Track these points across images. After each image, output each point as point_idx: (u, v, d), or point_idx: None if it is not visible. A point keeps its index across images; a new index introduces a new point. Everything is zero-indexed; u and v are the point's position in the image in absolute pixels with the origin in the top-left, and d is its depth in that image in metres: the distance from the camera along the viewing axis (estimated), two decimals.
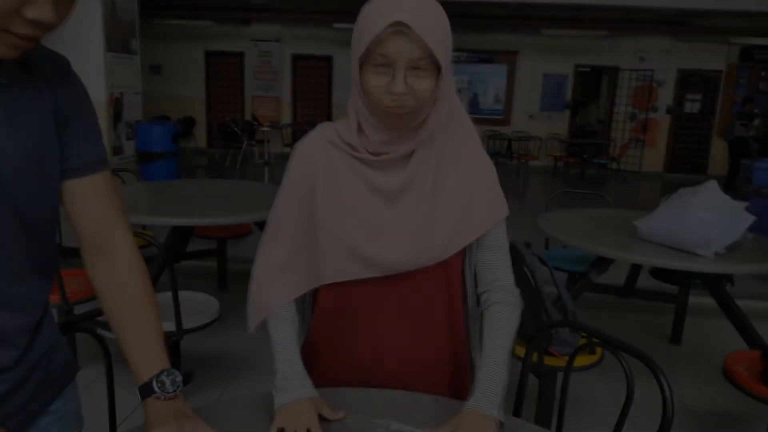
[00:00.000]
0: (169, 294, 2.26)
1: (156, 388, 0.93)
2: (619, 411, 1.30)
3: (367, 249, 1.11)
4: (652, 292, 3.55)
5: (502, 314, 1.18)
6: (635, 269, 3.37)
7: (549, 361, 2.13)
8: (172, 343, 2.37)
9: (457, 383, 1.27)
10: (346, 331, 1.20)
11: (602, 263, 2.75)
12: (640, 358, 1.31)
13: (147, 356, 0.96)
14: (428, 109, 1.07)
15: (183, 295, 2.41)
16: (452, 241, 1.14)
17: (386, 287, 1.15)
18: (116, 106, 5.55)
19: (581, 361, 2.17)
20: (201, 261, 3.96)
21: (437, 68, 1.03)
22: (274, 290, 1.17)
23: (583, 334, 2.21)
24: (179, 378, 0.96)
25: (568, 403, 1.48)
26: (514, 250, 2.16)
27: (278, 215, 1.19)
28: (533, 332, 2.04)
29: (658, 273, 3.37)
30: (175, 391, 0.95)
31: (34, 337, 0.91)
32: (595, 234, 2.71)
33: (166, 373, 0.95)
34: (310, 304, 1.25)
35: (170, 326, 2.28)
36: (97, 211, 0.96)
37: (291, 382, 1.07)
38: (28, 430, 0.95)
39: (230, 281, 4.08)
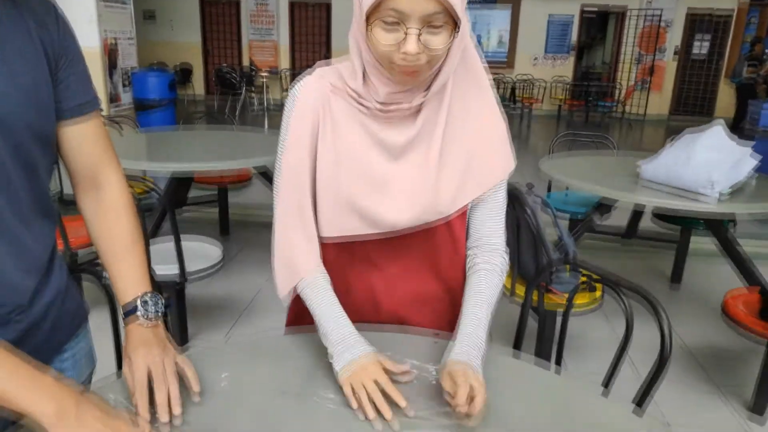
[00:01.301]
0: (172, 240, 2.27)
1: (140, 307, 0.97)
2: (615, 349, 1.32)
3: (369, 207, 1.08)
4: (654, 234, 3.55)
5: (486, 281, 1.13)
6: (637, 212, 3.36)
7: (549, 300, 2.15)
8: (177, 287, 2.40)
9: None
10: (344, 281, 1.20)
11: (605, 206, 2.74)
12: (638, 293, 1.32)
13: (131, 281, 0.99)
14: (441, 62, 0.99)
15: (185, 240, 2.42)
16: (457, 199, 1.11)
17: (387, 245, 1.14)
18: (111, 54, 5.44)
19: (581, 299, 2.19)
20: (202, 209, 3.97)
21: (453, 21, 0.94)
22: (303, 257, 1.12)
23: (583, 272, 2.24)
24: (161, 302, 0.99)
25: (567, 342, 1.50)
26: (516, 193, 2.17)
27: (287, 177, 1.11)
28: (534, 273, 2.06)
29: (661, 216, 3.36)
30: (157, 312, 0.98)
31: (45, 277, 0.94)
32: (599, 176, 2.68)
33: (149, 294, 0.99)
34: None
35: (173, 270, 2.30)
36: (89, 152, 0.99)
37: (347, 343, 1.02)
38: None
39: (232, 228, 4.10)
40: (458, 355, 1.00)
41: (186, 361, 0.97)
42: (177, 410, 0.91)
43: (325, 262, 1.19)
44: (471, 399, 0.92)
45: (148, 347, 0.94)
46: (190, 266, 2.35)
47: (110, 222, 1.02)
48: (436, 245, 1.16)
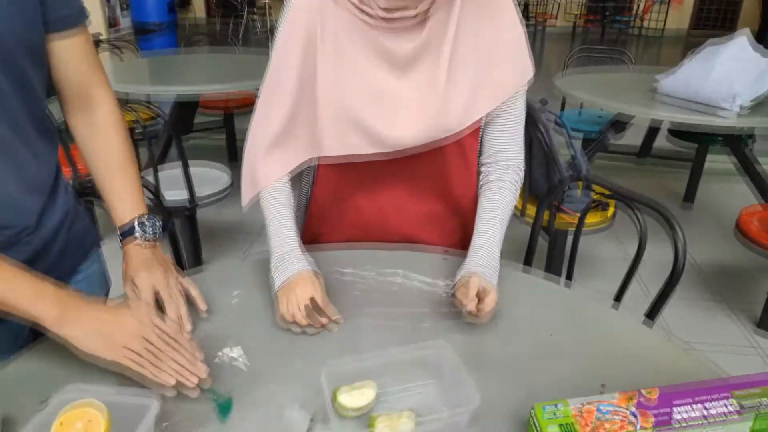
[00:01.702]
0: (180, 167, 2.25)
1: (137, 228, 0.97)
2: (626, 268, 1.31)
3: (374, 125, 1.02)
4: (669, 153, 3.48)
5: (499, 197, 1.10)
6: (653, 130, 3.28)
7: (561, 219, 2.14)
8: (188, 213, 2.41)
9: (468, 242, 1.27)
10: (351, 201, 1.18)
11: (620, 123, 2.67)
12: (652, 208, 1.30)
13: (127, 204, 0.99)
14: None
15: (193, 166, 2.40)
16: (467, 115, 1.04)
17: (394, 164, 1.09)
18: None
19: (593, 218, 2.18)
20: (209, 136, 3.93)
21: None
22: (267, 165, 1.09)
23: (596, 190, 2.21)
24: (159, 224, 0.99)
25: (577, 261, 1.49)
26: (528, 109, 2.10)
27: (272, 81, 1.07)
28: (545, 192, 2.03)
29: (677, 133, 3.28)
30: (155, 234, 0.98)
31: (51, 199, 0.94)
32: (614, 93, 2.59)
33: (146, 216, 0.99)
34: (310, 174, 1.21)
35: (183, 195, 2.30)
36: (78, 68, 0.96)
37: (286, 261, 1.01)
38: None
39: (240, 155, 4.06)
40: (471, 269, 0.99)
41: (190, 282, 0.98)
42: (188, 326, 0.92)
43: (331, 181, 1.17)
44: (481, 300, 0.92)
45: (149, 268, 0.94)
46: (200, 191, 2.35)
47: (102, 141, 1.00)
48: (446, 163, 1.13)
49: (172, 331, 0.83)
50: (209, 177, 2.49)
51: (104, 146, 1.00)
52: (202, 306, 0.96)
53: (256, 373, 0.85)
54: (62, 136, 2.24)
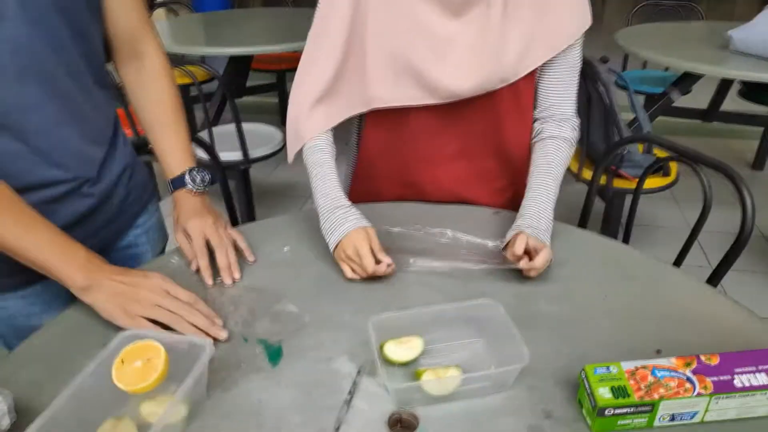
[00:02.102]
0: (233, 126, 2.28)
1: (188, 180, 0.99)
2: (686, 236, 1.25)
3: (427, 72, 1.00)
4: (739, 114, 3.27)
5: (554, 151, 1.07)
6: (722, 90, 3.08)
7: (618, 183, 2.06)
8: (241, 171, 2.45)
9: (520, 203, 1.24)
10: (400, 155, 1.16)
11: (686, 81, 2.51)
12: (719, 169, 1.22)
13: (178, 155, 1.02)
14: None
15: (247, 126, 2.43)
16: (523, 62, 1.01)
17: (447, 113, 1.07)
18: None
19: (654, 182, 2.09)
20: (262, 97, 3.95)
21: None
22: (312, 118, 1.07)
23: (658, 153, 2.11)
24: (208, 176, 1.02)
25: (634, 227, 1.44)
26: (588, 66, 2.01)
27: (320, 30, 1.05)
28: (603, 152, 1.95)
29: (748, 93, 3.07)
30: (204, 184, 1.01)
31: (111, 150, 0.97)
32: (682, 49, 2.43)
33: (196, 169, 1.01)
34: (358, 127, 1.20)
35: (237, 156, 2.34)
36: (127, 18, 0.97)
37: (337, 220, 0.99)
38: (120, 241, 1.06)
39: None
40: (522, 227, 0.97)
41: (237, 233, 1.00)
42: (237, 274, 0.94)
43: (379, 137, 1.16)
44: (532, 258, 0.91)
45: (201, 215, 0.97)
46: (253, 151, 2.38)
47: (151, 90, 1.02)
48: (500, 113, 1.09)
49: (189, 299, 0.84)
50: (262, 137, 2.52)
51: (154, 94, 1.02)
52: (249, 257, 0.99)
53: (305, 324, 0.87)
54: (123, 97, 2.31)
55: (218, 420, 0.71)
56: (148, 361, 0.66)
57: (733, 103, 3.24)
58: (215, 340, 0.82)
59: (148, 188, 1.10)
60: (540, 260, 0.90)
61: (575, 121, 1.10)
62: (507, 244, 0.97)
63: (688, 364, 0.70)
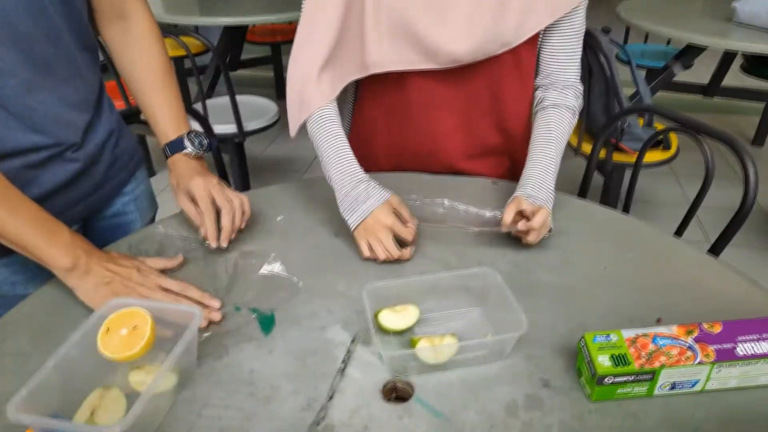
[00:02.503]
0: (227, 99, 2.24)
1: (187, 143, 0.96)
2: (686, 211, 1.23)
3: (426, 35, 0.97)
4: (740, 89, 3.23)
5: (556, 119, 1.03)
6: (724, 64, 3.04)
7: (618, 157, 2.03)
8: (236, 144, 2.42)
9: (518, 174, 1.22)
10: (397, 124, 1.13)
11: (688, 54, 2.47)
12: (722, 140, 1.20)
13: (171, 120, 0.98)
14: None
15: (241, 98, 2.39)
16: (524, 25, 0.98)
17: (447, 81, 1.05)
18: None
19: (654, 156, 2.06)
20: (256, 70, 3.90)
21: None
22: (317, 87, 1.02)
23: (659, 125, 2.08)
24: (206, 140, 0.98)
25: (633, 201, 1.41)
26: (589, 37, 1.96)
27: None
28: (602, 124, 1.92)
29: (751, 68, 3.03)
30: (203, 148, 0.97)
31: (96, 116, 0.93)
32: (684, 21, 2.39)
33: (193, 133, 0.98)
34: (353, 96, 1.16)
35: (231, 128, 2.30)
36: None
37: (359, 197, 0.95)
38: (108, 209, 1.04)
39: None
40: (521, 197, 0.95)
41: (243, 195, 0.96)
42: (223, 244, 0.92)
43: (377, 105, 1.13)
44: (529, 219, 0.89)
45: (205, 176, 0.94)
46: (247, 125, 2.34)
47: (139, 52, 0.98)
48: (501, 80, 1.06)
49: (180, 288, 0.82)
50: (257, 110, 2.48)
51: (141, 57, 0.98)
52: (246, 213, 0.95)
53: (298, 292, 0.85)
54: (115, 68, 2.26)
55: (209, 389, 0.69)
56: (135, 329, 0.64)
57: (734, 78, 3.20)
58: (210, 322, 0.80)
59: (136, 155, 1.07)
60: (537, 220, 0.88)
61: (578, 89, 1.07)
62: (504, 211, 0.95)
63: (689, 332, 0.68)
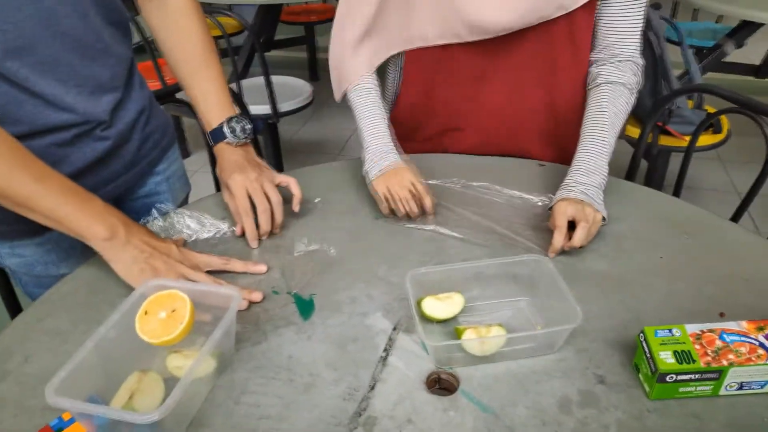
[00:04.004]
0: (262, 79, 2.21)
1: (227, 133, 0.93)
2: (732, 198, 1.15)
3: (474, 6, 0.93)
4: None
5: (611, 97, 0.96)
6: None
7: (665, 141, 1.94)
8: (270, 125, 2.40)
9: (569, 157, 1.16)
10: (442, 100, 1.09)
11: (742, 32, 2.34)
12: None
13: (214, 104, 0.95)
14: None
15: (275, 79, 2.36)
16: None
17: (495, 52, 1.00)
18: None
19: (703, 140, 1.96)
20: (290, 51, 3.86)
21: None
22: (356, 59, 1.04)
23: (709, 107, 1.98)
24: (249, 126, 0.95)
25: (670, 188, 1.34)
26: None
27: None
28: (650, 107, 1.84)
29: None
30: (246, 137, 0.94)
31: (126, 93, 0.91)
32: None
33: (235, 119, 0.94)
34: (396, 75, 1.12)
35: (265, 109, 2.28)
36: None
37: (381, 154, 0.98)
38: (140, 189, 1.02)
39: (321, 73, 4.00)
40: (572, 191, 0.89)
41: (288, 178, 0.94)
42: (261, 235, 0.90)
43: (421, 79, 1.08)
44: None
45: (243, 171, 0.91)
46: (281, 106, 2.32)
47: (178, 30, 0.95)
48: (554, 50, 1.00)
49: (220, 263, 0.81)
50: (291, 90, 2.45)
51: (179, 35, 0.95)
52: (296, 206, 0.93)
53: (338, 278, 0.82)
54: (153, 50, 2.26)
55: (248, 375, 0.67)
56: (173, 312, 0.62)
57: None
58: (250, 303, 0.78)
59: (168, 134, 1.05)
60: (577, 240, 0.82)
61: (639, 64, 0.99)
62: (552, 207, 0.90)
63: (760, 329, 0.63)
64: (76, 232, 0.76)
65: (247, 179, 0.90)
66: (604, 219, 0.87)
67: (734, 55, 2.60)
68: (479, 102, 1.07)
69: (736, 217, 1.20)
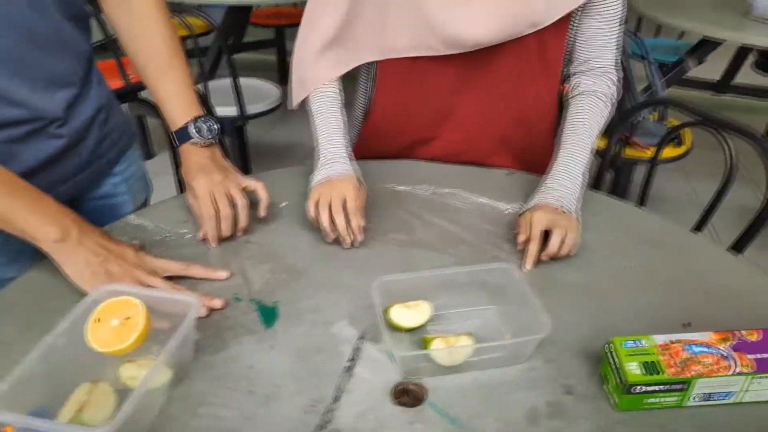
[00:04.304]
0: (229, 81, 2.17)
1: (193, 133, 0.90)
2: (694, 208, 1.17)
3: (448, 21, 0.92)
4: (753, 87, 3.18)
5: (589, 106, 0.97)
6: (736, 60, 2.98)
7: (629, 152, 1.98)
8: (237, 128, 2.36)
9: (537, 168, 1.17)
10: (415, 107, 1.08)
11: (703, 49, 2.41)
12: (748, 137, 1.14)
13: (179, 104, 0.92)
14: None
15: (243, 81, 2.32)
16: (555, 4, 0.92)
17: (467, 64, 0.99)
18: None
19: (667, 152, 2.00)
20: (260, 53, 3.82)
21: None
22: (319, 65, 1.00)
23: (673, 120, 2.03)
24: (215, 126, 0.92)
25: (633, 198, 1.36)
26: None
27: None
28: (616, 119, 1.87)
29: (765, 64, 2.97)
30: (212, 137, 0.91)
31: (83, 89, 0.87)
32: (700, 13, 2.33)
33: (202, 119, 0.91)
34: (367, 79, 1.11)
35: (232, 111, 2.24)
36: None
37: (332, 161, 0.94)
38: (97, 190, 0.98)
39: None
40: (546, 198, 0.89)
41: (255, 181, 0.91)
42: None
43: (393, 90, 1.07)
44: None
45: (208, 174, 0.87)
46: (250, 108, 2.28)
47: (143, 32, 0.91)
48: (525, 66, 1.00)
49: (178, 268, 0.78)
50: (259, 93, 2.41)
51: (145, 35, 0.91)
52: (262, 212, 0.90)
53: (303, 285, 0.80)
54: (116, 49, 2.19)
55: (206, 386, 0.65)
56: (127, 320, 0.59)
57: (744, 77, 3.14)
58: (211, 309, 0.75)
59: (127, 133, 1.01)
60: (552, 248, 0.82)
61: (615, 76, 1.00)
62: (522, 214, 0.90)
63: (725, 339, 0.63)
64: (26, 233, 0.71)
65: (212, 182, 0.87)
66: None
67: (694, 71, 2.68)
68: (452, 114, 1.06)
69: (699, 227, 1.22)
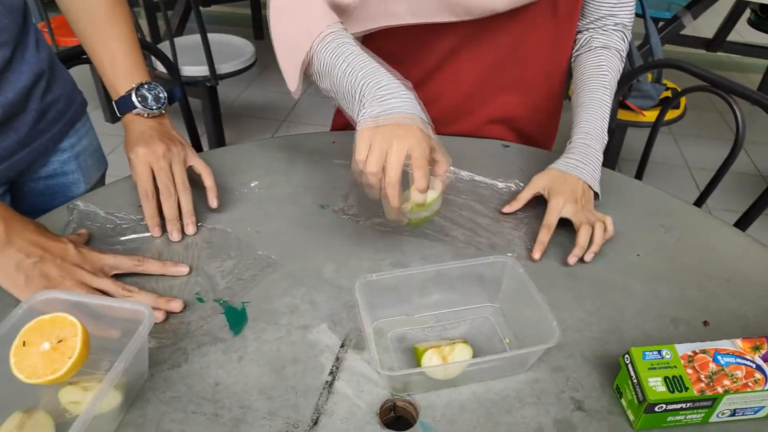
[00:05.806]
0: (198, 37, 2.01)
1: (136, 102, 0.78)
2: (683, 173, 1.09)
3: None
4: (746, 45, 3.09)
5: (609, 62, 0.92)
6: (733, 16, 2.87)
7: (623, 115, 1.89)
8: (208, 89, 2.21)
9: (543, 141, 1.08)
10: (413, 76, 0.97)
11: (700, 4, 2.30)
12: (755, 102, 1.06)
13: (121, 68, 0.80)
14: None
15: (214, 37, 2.16)
16: None
17: (475, 30, 0.90)
18: None
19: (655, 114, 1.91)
20: (232, 6, 3.61)
21: None
22: (317, 9, 0.74)
23: (668, 81, 1.93)
24: (163, 94, 0.80)
25: (625, 161, 1.28)
26: None
27: None
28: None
29: (759, 22, 2.87)
30: (159, 107, 0.80)
31: (16, 54, 0.75)
32: None
33: (146, 86, 0.79)
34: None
35: (203, 71, 2.09)
36: None
37: (386, 90, 0.65)
38: (43, 168, 0.87)
39: (266, 29, 3.76)
40: (565, 164, 0.82)
41: (204, 166, 0.80)
42: (190, 230, 0.76)
43: (394, 54, 0.94)
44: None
45: (148, 144, 0.75)
46: (221, 67, 2.13)
47: None
48: (533, 27, 0.91)
49: (130, 265, 0.68)
50: (231, 50, 2.26)
51: None
52: (212, 202, 0.79)
53: (276, 280, 0.70)
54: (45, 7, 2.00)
55: (163, 408, 0.56)
56: (60, 343, 0.49)
57: (735, 35, 3.04)
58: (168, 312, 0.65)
59: (75, 102, 0.89)
60: (595, 246, 0.75)
61: (628, 33, 0.96)
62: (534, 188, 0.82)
63: (757, 348, 0.56)
64: None
65: (153, 154, 0.75)
66: (597, 197, 0.82)
67: (687, 28, 2.58)
68: (446, 87, 0.97)
69: (700, 201, 1.15)
